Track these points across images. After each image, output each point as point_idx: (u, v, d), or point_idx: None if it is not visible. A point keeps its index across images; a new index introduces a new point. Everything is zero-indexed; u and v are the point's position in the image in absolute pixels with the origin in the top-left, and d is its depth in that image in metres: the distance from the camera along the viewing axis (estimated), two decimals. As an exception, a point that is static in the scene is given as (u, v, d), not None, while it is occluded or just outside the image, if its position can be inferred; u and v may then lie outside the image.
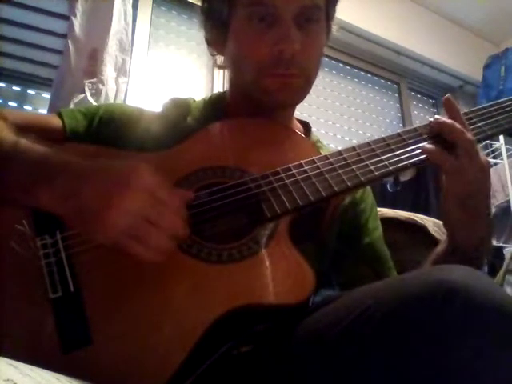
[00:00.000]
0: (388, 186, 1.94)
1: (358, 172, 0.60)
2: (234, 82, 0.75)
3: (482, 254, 0.65)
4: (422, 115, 2.86)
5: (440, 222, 1.43)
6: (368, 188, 0.81)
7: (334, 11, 0.72)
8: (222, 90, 0.80)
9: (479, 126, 0.66)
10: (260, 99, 0.67)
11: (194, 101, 0.79)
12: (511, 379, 0.36)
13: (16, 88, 1.66)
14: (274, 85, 0.65)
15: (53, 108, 1.46)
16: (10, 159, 0.53)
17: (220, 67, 0.78)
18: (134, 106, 0.77)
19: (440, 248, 0.68)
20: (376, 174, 0.60)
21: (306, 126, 0.81)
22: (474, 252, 0.63)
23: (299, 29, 0.63)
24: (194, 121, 0.73)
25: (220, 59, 0.77)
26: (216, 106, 0.76)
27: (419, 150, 0.62)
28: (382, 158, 0.62)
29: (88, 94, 1.49)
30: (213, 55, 0.77)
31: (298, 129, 0.79)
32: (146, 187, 0.47)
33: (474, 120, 0.67)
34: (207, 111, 0.75)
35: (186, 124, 0.72)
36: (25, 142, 0.54)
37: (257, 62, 0.64)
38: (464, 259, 0.62)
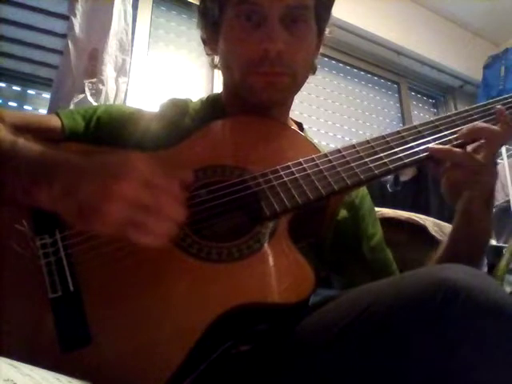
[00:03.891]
0: (388, 185, 1.93)
1: (357, 170, 0.60)
2: (225, 81, 0.76)
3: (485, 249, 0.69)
4: (422, 115, 2.86)
5: (440, 222, 1.43)
6: (365, 192, 0.81)
7: (328, 13, 0.72)
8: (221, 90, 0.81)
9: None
10: (247, 98, 0.68)
11: (192, 101, 0.79)
12: (511, 379, 0.36)
13: (16, 88, 1.66)
14: (258, 83, 0.65)
15: (53, 108, 1.46)
16: (8, 159, 0.53)
17: (215, 67, 0.78)
18: (133, 107, 0.77)
19: (447, 249, 0.69)
20: (376, 172, 0.60)
21: (300, 126, 0.81)
22: (485, 246, 0.68)
23: (286, 28, 0.64)
24: (192, 121, 0.73)
25: (216, 59, 0.77)
26: (213, 106, 0.77)
27: (419, 148, 0.62)
28: (382, 155, 0.62)
29: (88, 93, 1.49)
30: (208, 55, 0.78)
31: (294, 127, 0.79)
32: (140, 175, 0.47)
33: (458, 123, 0.67)
34: (205, 111, 0.76)
35: (184, 124, 0.73)
36: (23, 142, 0.54)
37: (243, 61, 0.65)
38: (477, 254, 0.67)
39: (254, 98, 0.66)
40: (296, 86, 0.70)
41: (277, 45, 0.62)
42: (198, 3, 0.74)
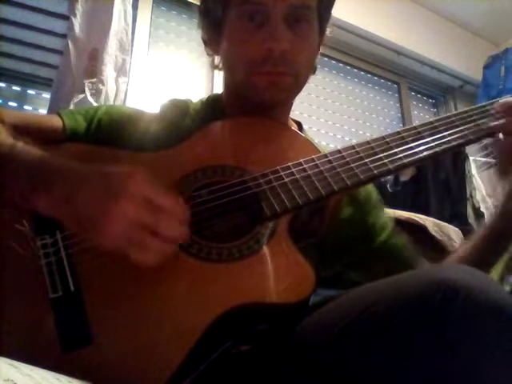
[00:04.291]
0: (388, 185, 1.94)
1: (357, 170, 0.60)
2: (227, 81, 0.76)
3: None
4: (422, 115, 2.86)
5: (440, 222, 1.43)
6: (370, 185, 0.81)
7: (329, 13, 0.73)
8: (221, 91, 0.81)
9: (461, 130, 0.66)
10: (250, 98, 0.68)
11: (192, 102, 0.79)
12: (511, 379, 0.36)
13: (16, 88, 1.66)
14: (261, 83, 0.65)
15: (53, 108, 1.46)
16: (6, 162, 0.52)
17: (216, 67, 0.78)
18: (133, 108, 0.77)
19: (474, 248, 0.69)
20: (375, 172, 0.60)
21: (299, 125, 0.81)
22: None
23: (289, 28, 0.64)
24: (192, 121, 0.73)
25: (217, 59, 0.77)
26: (213, 107, 0.77)
27: (419, 148, 0.63)
28: (382, 156, 0.62)
29: (88, 93, 1.49)
30: (209, 55, 0.78)
31: (293, 127, 0.79)
32: (142, 193, 0.47)
33: (457, 123, 0.67)
34: (205, 112, 0.76)
35: (185, 125, 0.73)
36: (21, 145, 0.54)
37: (246, 61, 0.65)
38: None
39: (257, 97, 0.66)
40: (298, 86, 0.70)
41: (281, 44, 0.62)
42: (198, 3, 0.74)
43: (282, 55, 0.63)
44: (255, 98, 0.67)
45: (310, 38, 0.68)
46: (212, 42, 0.73)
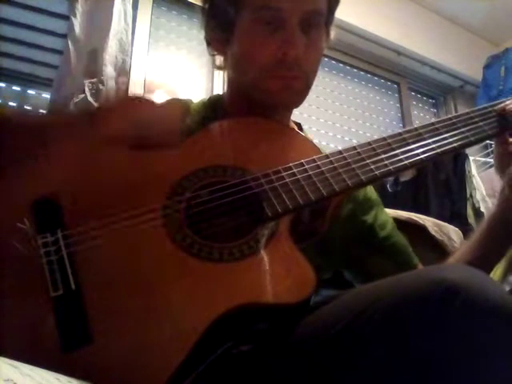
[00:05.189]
0: (388, 186, 1.94)
1: (358, 171, 0.60)
2: (234, 82, 0.75)
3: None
4: (422, 115, 2.87)
5: (440, 222, 1.43)
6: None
7: (333, 16, 0.74)
8: (222, 91, 0.81)
9: (462, 132, 0.67)
10: (261, 100, 0.68)
11: (193, 102, 0.79)
12: (511, 379, 0.36)
13: (16, 88, 1.66)
14: (275, 86, 0.66)
15: (53, 108, 1.46)
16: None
17: (219, 68, 0.78)
18: None
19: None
20: (376, 173, 0.60)
21: (299, 127, 0.82)
22: None
23: (303, 33, 0.65)
24: (193, 122, 0.73)
25: (219, 60, 0.77)
26: (215, 108, 0.77)
27: (420, 150, 0.63)
28: (383, 157, 0.62)
29: (88, 93, 1.49)
30: (212, 55, 0.77)
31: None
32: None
33: (459, 125, 0.67)
34: (206, 112, 0.76)
35: (185, 125, 0.72)
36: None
37: (260, 64, 0.65)
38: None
39: (270, 100, 0.67)
40: (308, 90, 0.70)
41: (297, 49, 0.63)
42: (200, 4, 0.73)
43: (295, 60, 0.64)
44: (267, 100, 0.67)
45: (321, 43, 0.69)
46: (218, 42, 0.73)
